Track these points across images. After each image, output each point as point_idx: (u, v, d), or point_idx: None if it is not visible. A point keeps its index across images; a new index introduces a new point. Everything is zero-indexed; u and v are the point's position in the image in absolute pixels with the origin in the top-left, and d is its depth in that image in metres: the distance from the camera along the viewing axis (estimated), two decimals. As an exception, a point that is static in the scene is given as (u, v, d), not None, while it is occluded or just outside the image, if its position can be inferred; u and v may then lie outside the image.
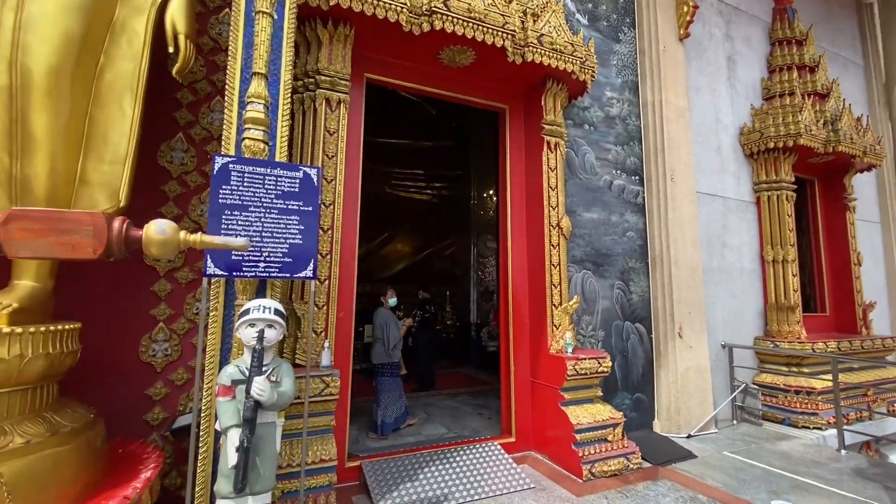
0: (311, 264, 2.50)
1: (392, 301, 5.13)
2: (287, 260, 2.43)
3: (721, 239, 5.68)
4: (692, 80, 5.74)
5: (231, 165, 2.32)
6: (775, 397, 5.29)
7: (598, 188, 4.88)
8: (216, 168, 2.27)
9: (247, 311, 2.07)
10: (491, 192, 9.44)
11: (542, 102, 4.23)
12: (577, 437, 3.59)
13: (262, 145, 2.40)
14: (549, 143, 4.25)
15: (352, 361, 3.54)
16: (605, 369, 3.95)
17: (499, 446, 3.96)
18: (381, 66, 4.02)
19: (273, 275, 2.40)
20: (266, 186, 2.41)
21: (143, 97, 2.51)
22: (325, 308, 3.18)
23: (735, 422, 5.26)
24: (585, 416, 3.73)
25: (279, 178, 2.44)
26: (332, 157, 3.38)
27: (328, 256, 3.21)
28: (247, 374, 1.98)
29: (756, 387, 5.50)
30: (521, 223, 4.40)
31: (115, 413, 2.66)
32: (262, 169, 2.40)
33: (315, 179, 2.54)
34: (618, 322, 4.78)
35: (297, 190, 2.48)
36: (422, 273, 12.77)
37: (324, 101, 3.38)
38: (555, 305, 4.06)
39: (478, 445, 3.96)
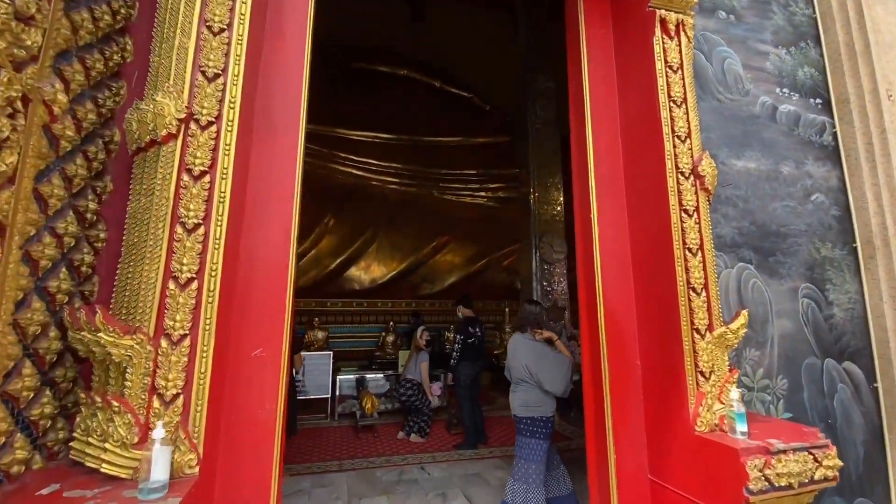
0: None
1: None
2: None
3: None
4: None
5: None
6: None
7: (752, 117, 2.73)
8: None
9: None
10: (556, 179, 7.40)
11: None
12: None
13: None
14: (664, 21, 2.25)
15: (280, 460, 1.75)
16: (830, 474, 1.79)
17: None
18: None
19: None
20: None
21: None
22: (187, 341, 1.44)
23: None
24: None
25: None
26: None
27: (201, 230, 1.50)
28: None
29: None
30: (615, 179, 2.39)
31: None
32: None
33: None
34: (811, 360, 2.53)
35: None
36: (476, 286, 10.88)
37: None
38: (698, 331, 1.99)
39: None
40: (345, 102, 11.75)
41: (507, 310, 9.84)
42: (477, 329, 4.94)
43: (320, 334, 9.01)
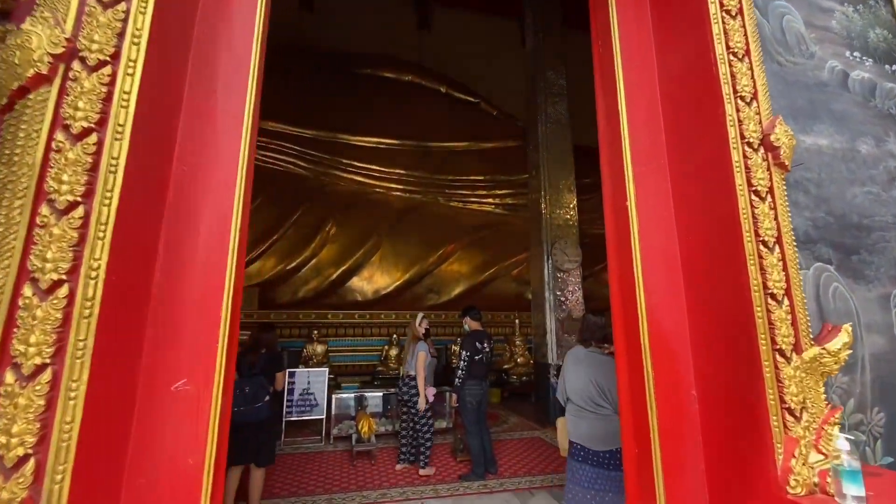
0: None
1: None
2: None
3: None
4: None
5: None
6: None
7: (820, 85, 2.23)
8: None
9: None
10: (569, 181, 6.90)
11: None
12: None
13: None
14: (716, -43, 1.79)
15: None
16: None
17: None
18: None
19: None
20: None
21: None
22: (46, 374, 0.97)
23: None
24: None
25: None
26: None
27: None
28: None
29: None
30: (656, 156, 1.89)
31: None
32: None
33: None
34: (912, 388, 1.99)
35: None
36: (484, 296, 10.34)
37: None
38: (781, 352, 1.47)
39: None
40: (347, 109, 11.44)
41: (517, 321, 9.29)
42: (485, 344, 4.40)
43: (319, 348, 8.54)
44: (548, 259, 6.61)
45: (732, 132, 1.62)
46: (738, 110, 1.65)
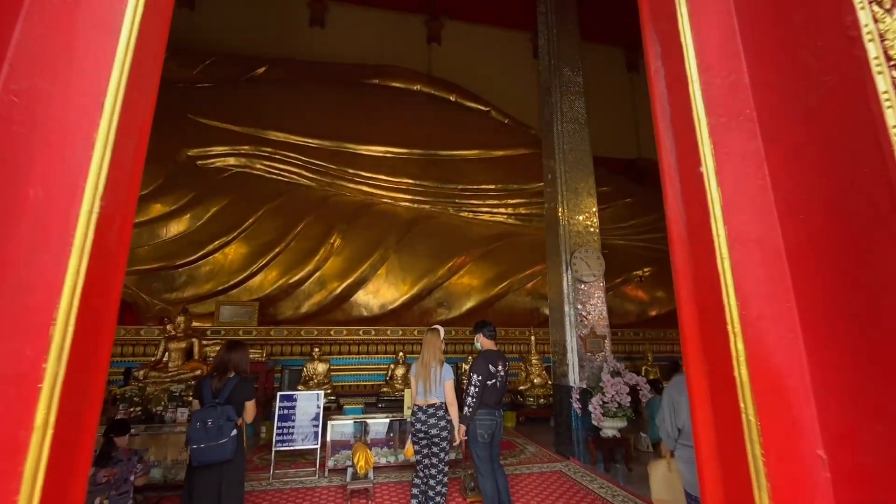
0: None
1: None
2: None
3: None
4: None
5: None
6: None
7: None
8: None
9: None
10: (588, 183, 6.31)
11: None
12: None
13: None
14: None
15: None
16: None
17: None
18: None
19: None
20: None
21: None
22: None
23: None
24: None
25: None
26: None
27: None
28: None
29: None
30: (739, 101, 1.32)
31: None
32: None
33: None
34: None
35: None
36: (496, 311, 9.73)
37: None
38: None
39: None
40: (354, 118, 11.14)
41: (532, 338, 8.64)
42: (500, 366, 3.78)
43: (321, 367, 8.00)
44: (567, 270, 6.00)
45: (873, 49, 1.05)
46: (875, 19, 1.08)
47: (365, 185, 10.90)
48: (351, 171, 10.77)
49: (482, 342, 3.93)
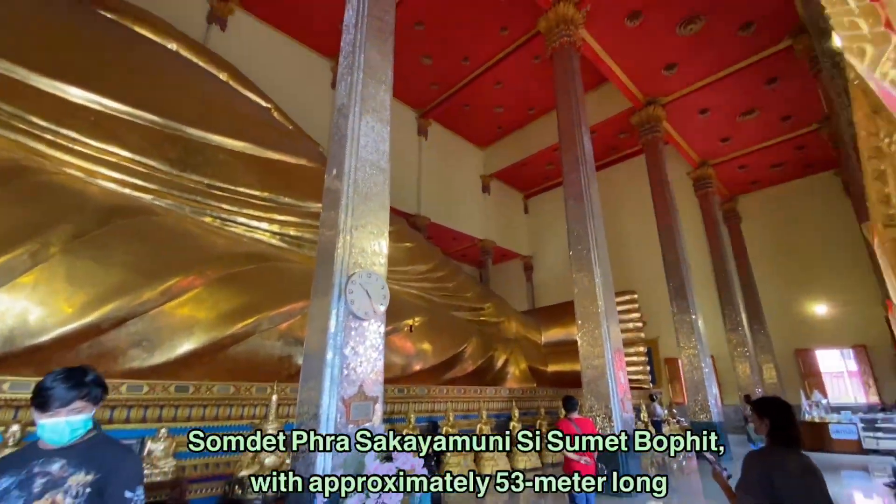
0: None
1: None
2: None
3: None
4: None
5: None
6: None
7: None
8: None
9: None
10: (379, 217, 4.98)
11: None
12: None
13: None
14: None
15: None
16: None
17: None
18: None
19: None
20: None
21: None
22: None
23: None
24: None
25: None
26: None
27: None
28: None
29: None
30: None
31: None
32: None
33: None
34: None
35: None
36: (228, 358, 6.99)
37: None
38: None
39: None
40: (54, 41, 7.14)
41: (274, 397, 6.27)
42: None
43: None
44: (340, 300, 4.28)
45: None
46: None
47: (42, 141, 6.80)
48: (20, 112, 6.57)
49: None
